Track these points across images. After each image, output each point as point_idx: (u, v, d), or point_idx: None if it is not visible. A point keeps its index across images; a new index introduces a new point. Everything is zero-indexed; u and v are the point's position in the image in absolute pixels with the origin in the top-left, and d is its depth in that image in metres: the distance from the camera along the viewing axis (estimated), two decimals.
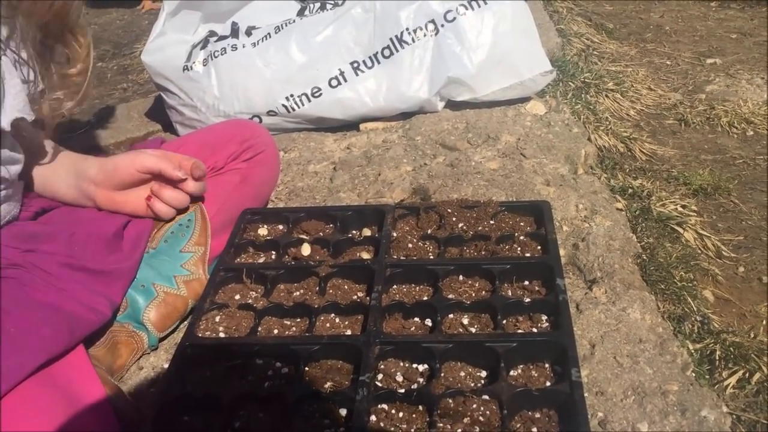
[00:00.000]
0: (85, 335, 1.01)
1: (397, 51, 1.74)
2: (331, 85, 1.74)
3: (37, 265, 1.04)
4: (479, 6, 1.71)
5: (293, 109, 1.76)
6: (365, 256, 1.16)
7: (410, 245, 1.15)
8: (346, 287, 1.11)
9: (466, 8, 1.72)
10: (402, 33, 1.73)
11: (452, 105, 1.82)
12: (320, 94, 1.75)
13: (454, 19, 1.71)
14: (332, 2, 1.86)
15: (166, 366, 1.16)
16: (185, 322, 1.22)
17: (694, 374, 1.01)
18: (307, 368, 0.96)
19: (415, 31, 1.73)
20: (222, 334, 1.03)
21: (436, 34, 1.72)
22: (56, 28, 1.03)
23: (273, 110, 1.76)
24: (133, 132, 2.02)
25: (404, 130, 1.78)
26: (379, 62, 1.74)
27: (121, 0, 3.24)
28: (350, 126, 1.85)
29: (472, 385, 0.92)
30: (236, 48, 1.76)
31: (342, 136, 1.83)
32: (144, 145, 1.36)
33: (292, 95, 1.75)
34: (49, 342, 0.94)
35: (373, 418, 0.87)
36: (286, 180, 1.65)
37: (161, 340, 1.19)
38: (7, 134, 0.99)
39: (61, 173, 1.18)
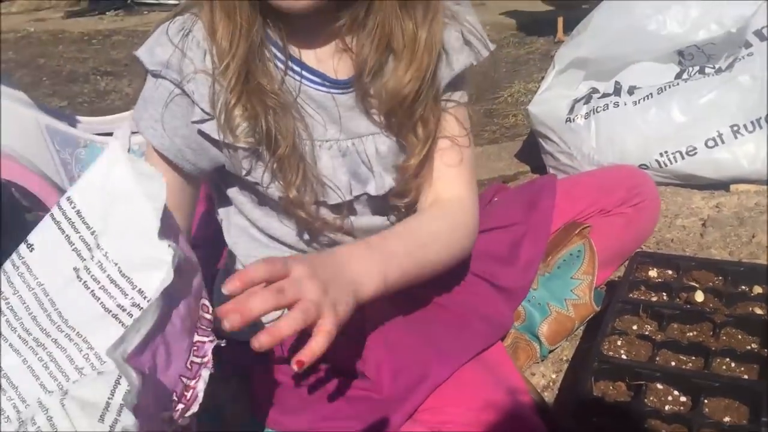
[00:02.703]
0: (501, 336, 1.26)
1: None
2: (707, 146, 1.82)
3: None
4: None
5: (665, 165, 1.87)
6: (758, 311, 1.24)
7: None
8: (740, 337, 1.19)
9: None
10: None
11: None
12: (695, 153, 1.83)
13: None
14: (711, 66, 1.94)
15: (553, 376, 1.36)
16: (567, 342, 1.42)
17: None
18: (705, 401, 1.07)
19: None
20: (624, 356, 1.19)
21: None
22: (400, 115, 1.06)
23: (645, 164, 1.89)
24: (504, 171, 2.29)
25: None
26: (761, 127, 1.78)
27: None
28: (717, 185, 1.89)
29: None
30: (618, 105, 1.93)
31: (710, 194, 1.89)
32: (540, 181, 1.53)
33: (666, 152, 1.86)
34: (483, 335, 1.19)
35: None
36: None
37: (549, 353, 1.39)
38: None
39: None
